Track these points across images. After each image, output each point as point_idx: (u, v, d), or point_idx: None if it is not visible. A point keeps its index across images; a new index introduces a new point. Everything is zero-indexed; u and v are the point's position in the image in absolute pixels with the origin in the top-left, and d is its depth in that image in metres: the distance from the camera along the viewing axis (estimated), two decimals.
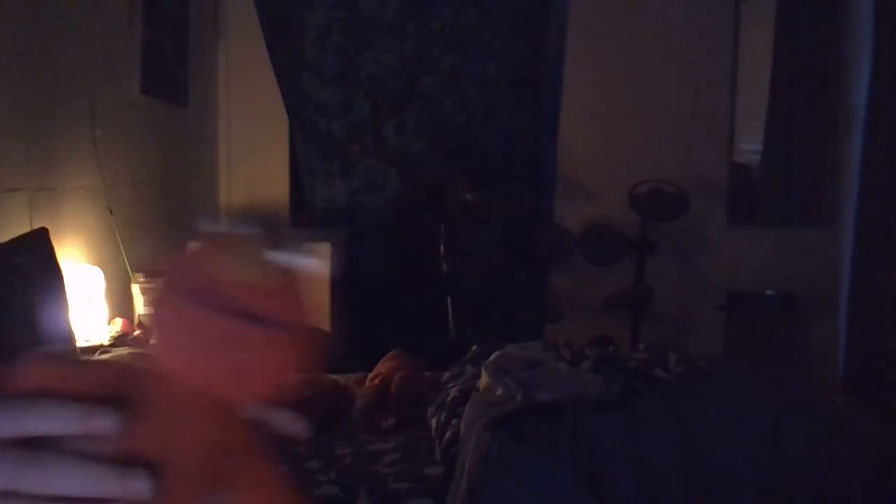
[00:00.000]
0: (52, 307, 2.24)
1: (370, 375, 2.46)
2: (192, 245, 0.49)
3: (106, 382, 0.44)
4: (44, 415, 0.42)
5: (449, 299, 4.16)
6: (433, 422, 2.04)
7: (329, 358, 3.22)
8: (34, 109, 2.67)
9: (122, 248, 3.13)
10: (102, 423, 0.42)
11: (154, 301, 0.48)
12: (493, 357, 2.12)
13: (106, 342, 2.72)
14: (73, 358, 1.88)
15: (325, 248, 3.70)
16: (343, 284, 3.98)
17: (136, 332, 2.86)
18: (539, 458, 1.70)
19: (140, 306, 3.04)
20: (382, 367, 2.49)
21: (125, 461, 0.42)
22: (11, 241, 2.28)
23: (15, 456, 0.42)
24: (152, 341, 0.47)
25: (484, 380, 2.02)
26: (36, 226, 2.48)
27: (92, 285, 2.80)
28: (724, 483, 1.73)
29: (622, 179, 4.24)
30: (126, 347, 2.59)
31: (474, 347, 2.46)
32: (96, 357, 2.40)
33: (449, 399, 2.05)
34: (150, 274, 3.09)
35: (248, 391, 0.47)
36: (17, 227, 2.46)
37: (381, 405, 2.31)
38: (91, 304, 2.79)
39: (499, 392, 1.91)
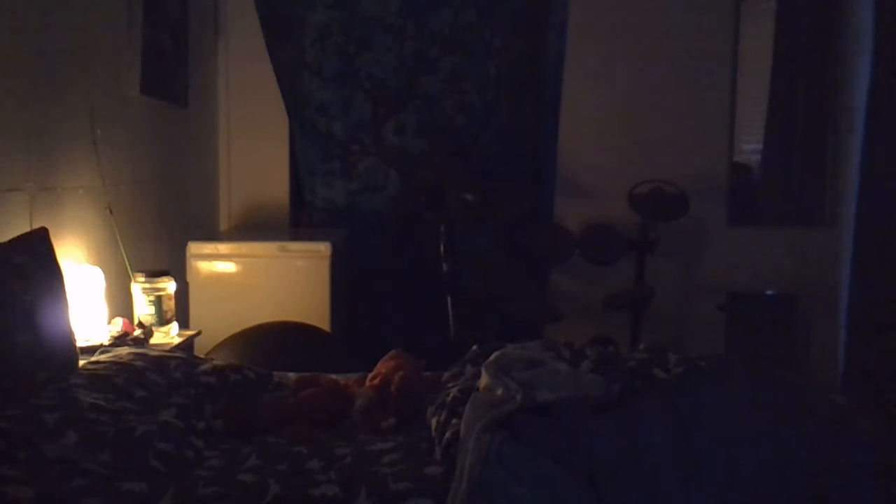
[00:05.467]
0: (52, 307, 2.24)
1: (370, 375, 2.46)
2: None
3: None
4: None
5: (449, 299, 4.16)
6: (433, 422, 2.04)
7: (329, 358, 3.22)
8: (34, 109, 2.67)
9: (122, 248, 3.13)
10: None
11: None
12: (493, 357, 2.12)
13: (106, 342, 2.71)
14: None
15: (325, 247, 3.70)
16: (343, 284, 3.99)
17: (136, 332, 2.86)
18: (539, 458, 1.70)
19: (140, 306, 3.04)
20: (382, 367, 2.49)
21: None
22: (11, 241, 2.28)
23: None
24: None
25: (484, 380, 2.02)
26: (36, 226, 2.48)
27: (92, 285, 2.80)
28: (723, 483, 1.74)
29: (622, 179, 4.24)
30: (126, 347, 2.58)
31: (474, 347, 2.46)
32: (108, 357, 2.40)
33: (449, 399, 2.05)
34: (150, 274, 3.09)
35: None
36: (17, 227, 2.46)
37: (381, 405, 2.31)
38: (91, 304, 2.79)
39: (499, 392, 1.91)
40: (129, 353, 2.42)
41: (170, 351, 2.72)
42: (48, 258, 2.32)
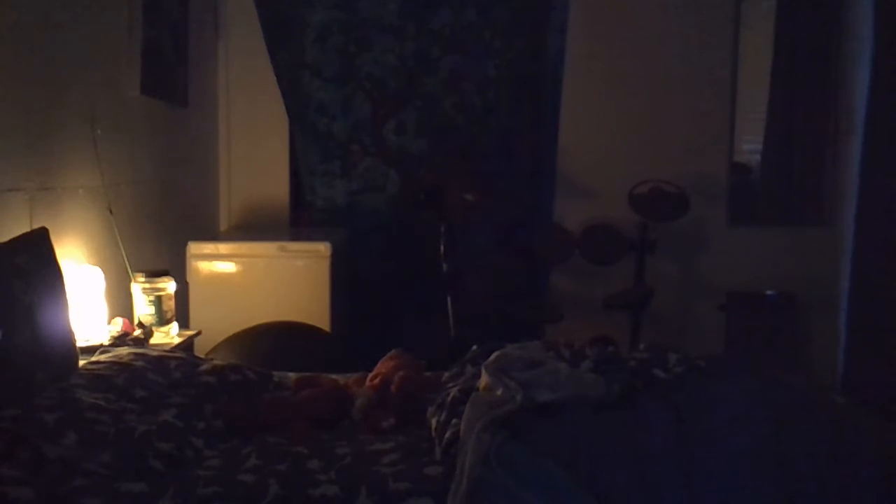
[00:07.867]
0: (52, 307, 2.24)
1: (370, 375, 2.46)
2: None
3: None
4: None
5: (449, 299, 4.16)
6: (433, 422, 2.04)
7: (329, 358, 3.22)
8: (34, 109, 2.67)
9: (122, 248, 3.13)
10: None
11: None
12: (493, 357, 2.11)
13: (106, 342, 2.71)
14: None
15: (325, 247, 3.70)
16: (343, 284, 3.99)
17: (136, 332, 2.86)
18: (539, 458, 1.70)
19: (140, 306, 3.04)
20: (382, 367, 2.50)
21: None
22: (11, 241, 2.28)
23: None
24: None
25: (484, 380, 2.02)
26: (36, 226, 2.48)
27: (92, 285, 2.80)
28: (724, 484, 1.73)
29: (622, 179, 4.25)
30: (126, 347, 2.58)
31: (474, 347, 2.46)
32: (108, 357, 2.40)
33: (449, 399, 2.05)
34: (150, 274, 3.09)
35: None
36: (17, 227, 2.46)
37: (381, 405, 2.31)
38: (91, 304, 2.79)
39: (499, 392, 1.91)
40: (130, 353, 2.42)
41: (170, 351, 2.72)
42: (48, 258, 2.32)
